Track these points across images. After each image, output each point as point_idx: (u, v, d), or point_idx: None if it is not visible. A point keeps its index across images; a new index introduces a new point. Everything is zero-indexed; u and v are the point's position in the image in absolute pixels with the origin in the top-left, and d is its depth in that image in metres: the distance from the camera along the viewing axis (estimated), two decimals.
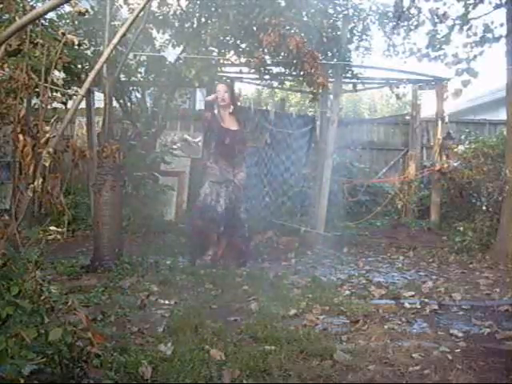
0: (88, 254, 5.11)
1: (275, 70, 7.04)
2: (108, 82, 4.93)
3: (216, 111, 5.41)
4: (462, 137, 8.07)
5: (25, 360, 1.84)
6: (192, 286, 4.32)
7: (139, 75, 7.01)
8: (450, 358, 2.82)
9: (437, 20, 6.89)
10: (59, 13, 5.85)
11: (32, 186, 2.22)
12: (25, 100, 2.96)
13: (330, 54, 6.82)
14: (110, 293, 3.94)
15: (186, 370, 2.53)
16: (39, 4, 4.75)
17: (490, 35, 6.62)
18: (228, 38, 6.45)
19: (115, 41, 2.33)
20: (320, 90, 6.64)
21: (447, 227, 7.20)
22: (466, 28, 6.78)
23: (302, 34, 6.09)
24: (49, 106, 2.58)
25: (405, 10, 6.85)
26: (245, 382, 2.49)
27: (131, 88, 7.14)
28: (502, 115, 7.14)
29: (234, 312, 3.70)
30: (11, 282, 2.06)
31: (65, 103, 3.70)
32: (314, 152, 8.33)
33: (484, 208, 6.52)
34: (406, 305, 3.86)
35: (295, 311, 3.65)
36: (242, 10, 5.96)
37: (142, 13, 2.52)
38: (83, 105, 6.57)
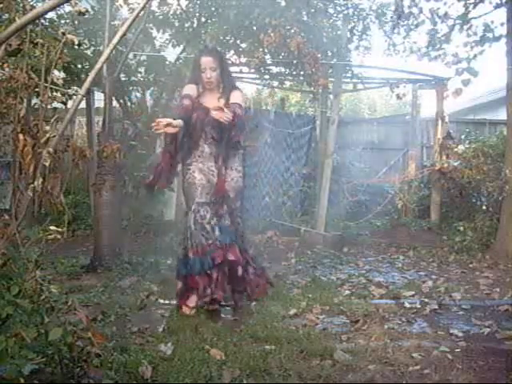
0: (88, 254, 5.12)
1: (275, 69, 7.04)
2: (108, 82, 4.93)
3: (196, 93, 3.75)
4: (462, 137, 8.06)
5: (25, 360, 1.84)
6: None
7: (139, 75, 7.01)
8: (450, 357, 2.82)
9: (437, 19, 6.90)
10: (59, 13, 5.86)
11: (32, 185, 2.22)
12: (25, 100, 2.96)
13: (330, 53, 6.83)
14: (110, 293, 3.95)
15: (185, 369, 2.53)
16: (39, 4, 4.75)
17: (490, 35, 6.64)
18: (228, 38, 6.45)
19: (115, 41, 2.33)
20: (320, 90, 6.67)
21: (447, 227, 7.19)
22: (466, 27, 6.80)
23: (302, 34, 6.09)
24: (49, 106, 2.58)
25: (405, 8, 6.85)
26: (245, 381, 2.49)
27: (131, 88, 7.15)
28: (502, 115, 7.14)
29: (234, 312, 3.70)
30: (11, 282, 2.06)
31: (65, 103, 3.70)
32: (314, 152, 8.33)
33: (484, 208, 6.52)
34: (406, 304, 3.86)
35: (295, 311, 3.65)
36: (242, 10, 5.96)
37: (142, 13, 2.52)
38: (83, 105, 6.58)
